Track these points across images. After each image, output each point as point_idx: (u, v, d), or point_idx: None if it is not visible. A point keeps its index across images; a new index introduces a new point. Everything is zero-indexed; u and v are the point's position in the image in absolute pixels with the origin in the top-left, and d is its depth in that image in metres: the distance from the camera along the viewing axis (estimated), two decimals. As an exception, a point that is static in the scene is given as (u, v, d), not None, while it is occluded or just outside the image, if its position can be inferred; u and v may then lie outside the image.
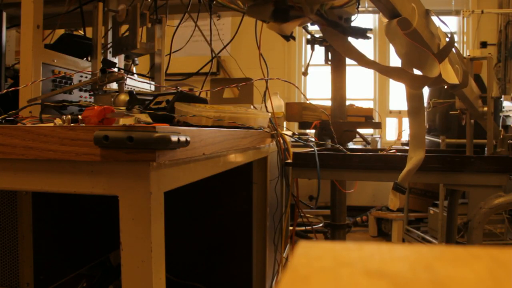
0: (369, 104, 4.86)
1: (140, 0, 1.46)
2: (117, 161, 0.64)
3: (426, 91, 3.02)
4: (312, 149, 1.49)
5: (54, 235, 1.50)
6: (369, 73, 4.90)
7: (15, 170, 0.70)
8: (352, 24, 1.75)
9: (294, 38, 0.65)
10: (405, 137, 3.30)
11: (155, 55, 1.62)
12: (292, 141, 1.84)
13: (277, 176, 1.72)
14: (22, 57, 1.14)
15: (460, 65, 1.15)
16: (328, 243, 0.27)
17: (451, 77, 1.03)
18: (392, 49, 5.34)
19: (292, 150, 1.62)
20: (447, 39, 1.03)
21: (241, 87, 1.60)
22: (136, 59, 1.80)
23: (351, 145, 2.23)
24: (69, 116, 0.82)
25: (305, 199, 4.05)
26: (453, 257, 0.24)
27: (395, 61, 4.84)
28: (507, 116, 2.98)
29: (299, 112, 2.33)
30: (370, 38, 0.59)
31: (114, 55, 1.47)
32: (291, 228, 1.72)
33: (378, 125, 2.49)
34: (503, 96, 3.17)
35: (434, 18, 0.97)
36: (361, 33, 0.55)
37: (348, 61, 2.01)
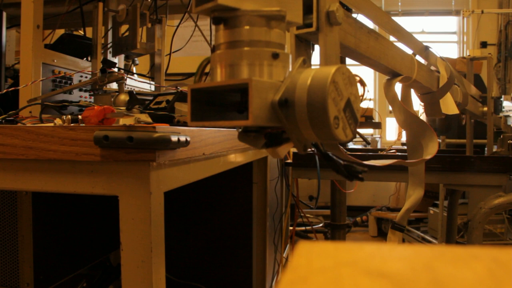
0: (369, 104, 4.86)
1: (140, 0, 1.46)
2: (117, 161, 0.64)
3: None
4: (312, 149, 1.49)
5: (54, 235, 1.50)
6: (369, 73, 4.90)
7: (15, 170, 0.70)
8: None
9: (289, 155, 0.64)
10: (405, 137, 3.30)
11: (155, 55, 1.62)
12: (292, 141, 1.83)
13: (277, 176, 1.72)
14: (22, 57, 1.14)
15: (460, 86, 1.15)
16: (328, 243, 0.27)
17: (451, 108, 1.04)
18: (392, 49, 5.35)
19: (292, 150, 1.62)
20: (446, 64, 1.03)
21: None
22: (136, 59, 1.80)
23: (351, 145, 2.23)
24: (69, 116, 0.82)
25: (305, 199, 4.05)
26: (453, 257, 0.24)
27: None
28: (507, 116, 2.98)
29: (299, 112, 2.33)
30: (363, 180, 0.58)
31: (114, 55, 1.47)
32: (291, 228, 1.72)
33: (378, 125, 2.49)
34: (503, 96, 3.17)
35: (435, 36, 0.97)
36: (354, 175, 0.54)
37: (348, 61, 2.01)
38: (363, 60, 0.71)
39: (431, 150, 0.87)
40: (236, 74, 0.42)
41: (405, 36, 0.88)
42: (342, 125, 0.43)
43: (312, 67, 0.52)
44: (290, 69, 0.46)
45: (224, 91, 0.44)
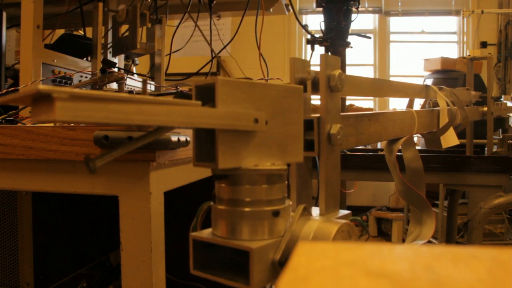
0: (369, 104, 4.86)
1: (140, 0, 1.46)
2: (117, 161, 0.64)
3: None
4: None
5: (54, 235, 1.50)
6: (369, 73, 4.90)
7: (15, 170, 0.70)
8: (352, 23, 1.74)
9: None
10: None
11: (155, 55, 1.62)
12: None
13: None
14: (22, 57, 1.14)
15: (460, 110, 1.14)
16: (328, 243, 0.27)
17: (452, 140, 1.04)
18: (392, 50, 5.28)
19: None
20: (446, 98, 1.03)
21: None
22: (136, 59, 1.80)
23: (351, 145, 2.23)
24: (69, 116, 0.82)
25: (305, 199, 4.05)
26: (453, 257, 0.24)
27: (394, 63, 4.84)
28: (508, 117, 2.98)
29: (299, 112, 2.33)
30: None
31: (114, 55, 1.47)
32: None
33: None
34: (503, 96, 3.17)
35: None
36: None
37: (348, 61, 2.01)
38: (365, 143, 0.71)
39: (426, 232, 0.85)
40: (237, 234, 0.43)
41: (405, 89, 0.89)
42: None
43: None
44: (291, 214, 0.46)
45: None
